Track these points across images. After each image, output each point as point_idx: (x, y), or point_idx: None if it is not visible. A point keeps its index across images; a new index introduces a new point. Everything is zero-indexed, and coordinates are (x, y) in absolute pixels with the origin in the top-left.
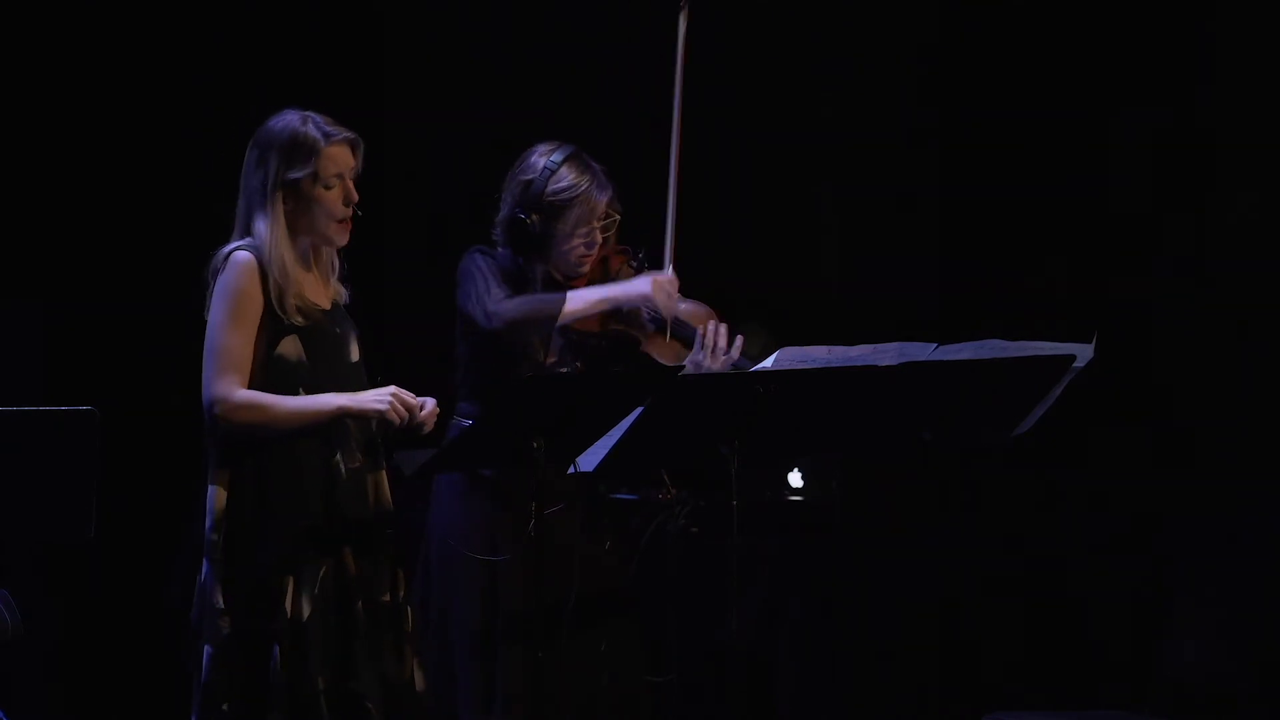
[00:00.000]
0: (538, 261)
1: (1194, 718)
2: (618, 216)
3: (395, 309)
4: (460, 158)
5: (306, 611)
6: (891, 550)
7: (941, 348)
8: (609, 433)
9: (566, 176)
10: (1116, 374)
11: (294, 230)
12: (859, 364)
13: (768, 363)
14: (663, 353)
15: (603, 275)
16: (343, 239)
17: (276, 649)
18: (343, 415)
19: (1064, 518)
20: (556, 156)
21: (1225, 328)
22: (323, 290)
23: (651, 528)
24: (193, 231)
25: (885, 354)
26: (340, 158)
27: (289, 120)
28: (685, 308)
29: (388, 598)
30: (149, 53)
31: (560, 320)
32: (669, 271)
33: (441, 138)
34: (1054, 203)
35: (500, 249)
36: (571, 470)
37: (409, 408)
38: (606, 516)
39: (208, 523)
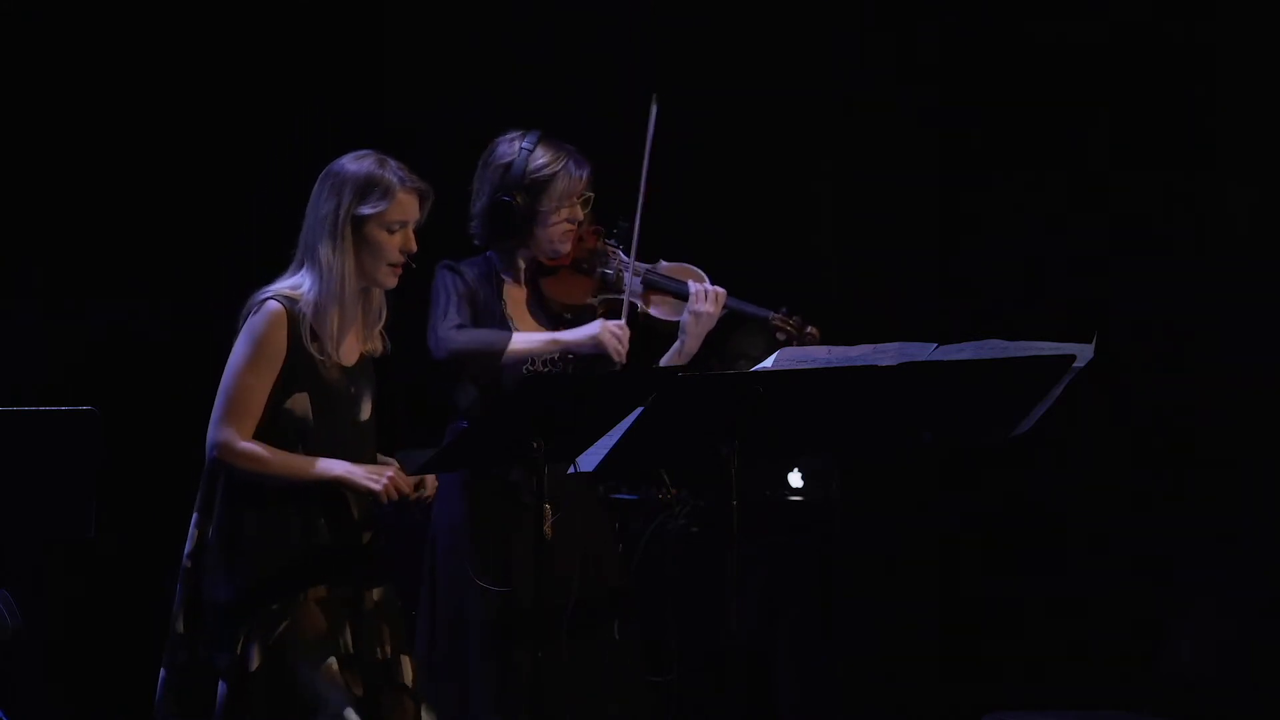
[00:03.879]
0: (519, 246)
1: (1194, 718)
2: (593, 195)
3: (395, 309)
4: (461, 156)
5: (255, 663)
6: (891, 550)
7: (941, 348)
8: (609, 433)
9: (544, 155)
10: (1117, 373)
11: (356, 267)
12: (859, 364)
13: (768, 363)
14: (662, 310)
15: (582, 253)
16: (391, 282)
17: (224, 687)
18: (339, 484)
19: (1064, 517)
20: (530, 138)
21: (1225, 326)
22: (356, 343)
23: (651, 528)
24: (192, 232)
25: (885, 354)
26: (409, 206)
27: (368, 161)
28: (670, 266)
29: (379, 654)
30: (150, 53)
31: (505, 358)
32: (622, 320)
33: (442, 136)
34: (1055, 201)
35: (467, 263)
36: (571, 470)
37: (401, 492)
38: (607, 516)
39: (186, 548)
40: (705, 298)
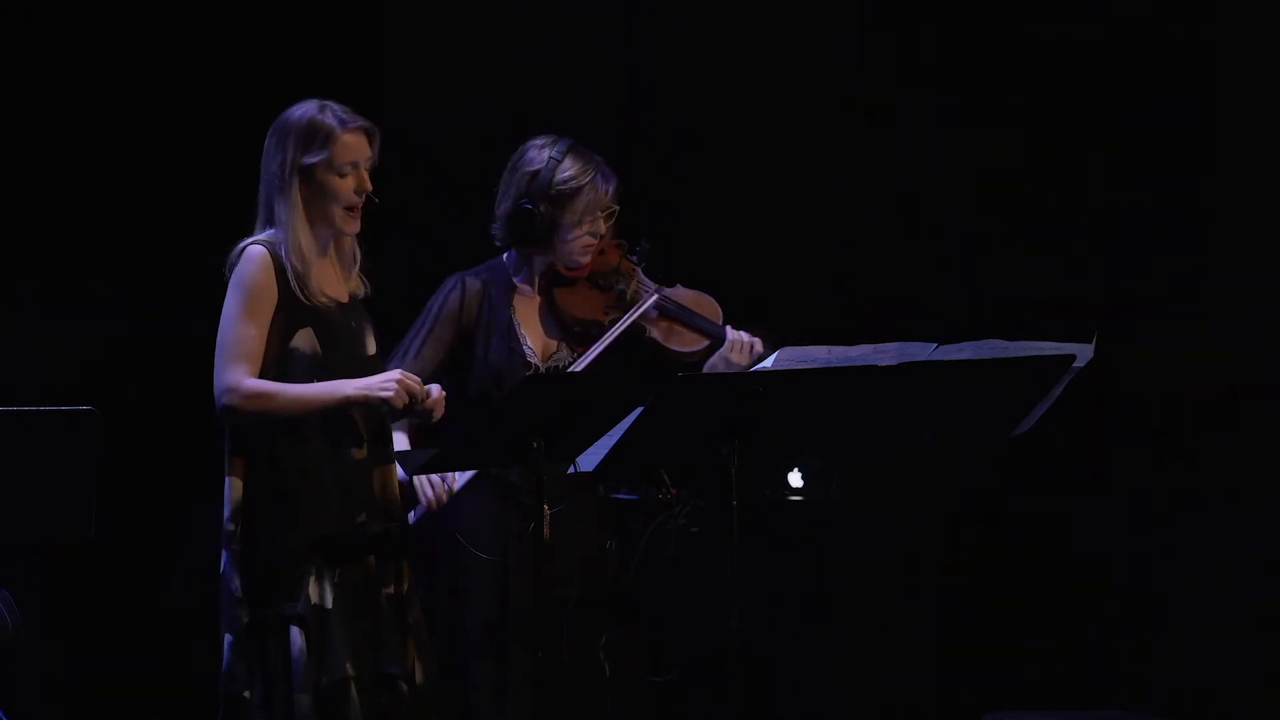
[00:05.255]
0: (539, 254)
1: (1194, 718)
2: (617, 209)
3: (395, 306)
4: (460, 155)
5: (330, 600)
6: (891, 550)
7: (941, 348)
8: (609, 433)
9: (572, 167)
10: (1118, 374)
11: (310, 217)
12: (859, 364)
13: (768, 363)
14: (670, 337)
15: (601, 267)
16: (353, 227)
17: (298, 633)
18: (350, 403)
19: (1064, 517)
20: (560, 147)
21: (1225, 327)
22: (340, 283)
23: (651, 528)
24: (193, 231)
25: (885, 354)
26: (356, 146)
27: (307, 108)
28: (688, 295)
29: (392, 590)
30: (150, 53)
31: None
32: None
33: (441, 135)
34: (1055, 201)
35: (478, 270)
36: (571, 470)
37: (412, 394)
38: (606, 516)
39: (225, 512)
40: (742, 351)
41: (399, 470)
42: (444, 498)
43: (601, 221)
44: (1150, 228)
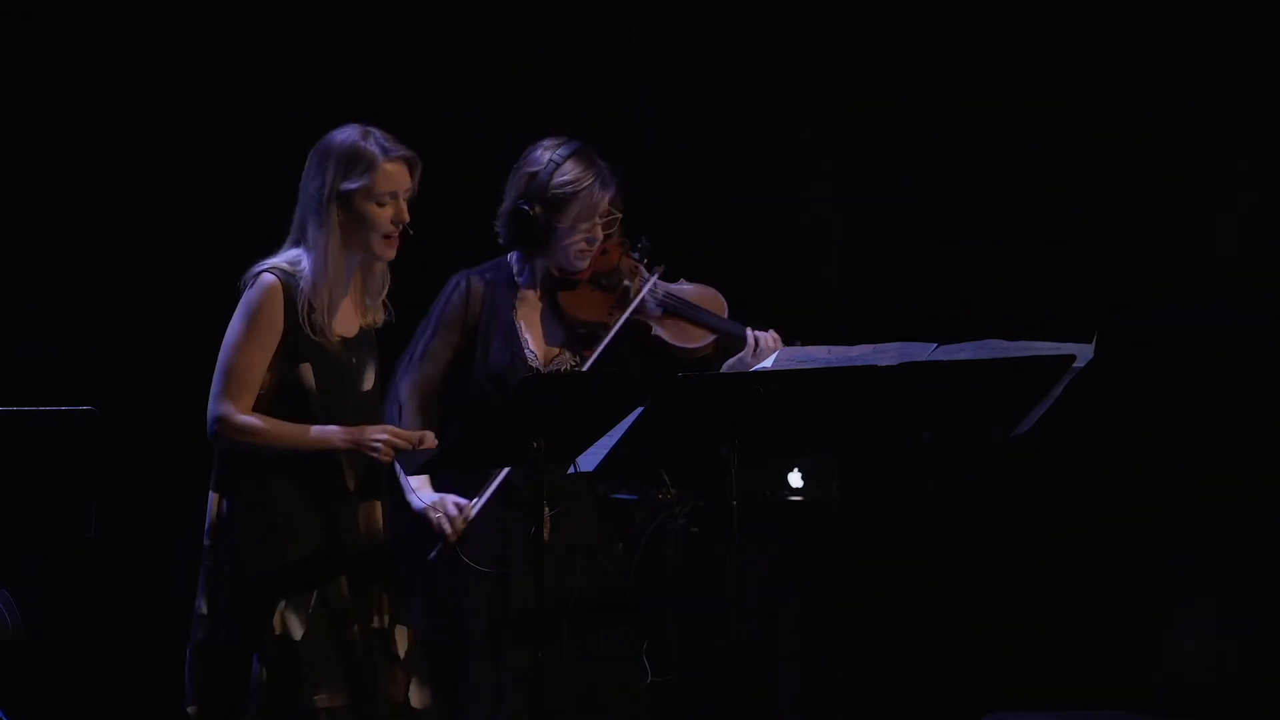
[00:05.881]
0: (538, 255)
1: (1194, 718)
2: (619, 215)
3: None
4: (460, 155)
5: (299, 632)
6: (891, 550)
7: (941, 348)
8: (609, 433)
9: (571, 171)
10: (1117, 373)
11: (344, 243)
12: (859, 364)
13: (768, 363)
14: (674, 334)
15: (603, 267)
16: (389, 253)
17: (258, 661)
18: (338, 453)
19: (1064, 517)
20: (562, 151)
21: (1224, 324)
22: (354, 314)
23: (651, 528)
24: (193, 232)
25: (885, 354)
26: (396, 176)
27: (349, 133)
28: (692, 290)
29: (375, 623)
30: (150, 53)
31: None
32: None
33: (442, 136)
34: (1055, 201)
35: (482, 269)
36: (571, 470)
37: (400, 450)
38: (606, 517)
39: (205, 526)
40: (764, 354)
41: (414, 500)
42: (461, 529)
43: (599, 228)
44: (1150, 228)
